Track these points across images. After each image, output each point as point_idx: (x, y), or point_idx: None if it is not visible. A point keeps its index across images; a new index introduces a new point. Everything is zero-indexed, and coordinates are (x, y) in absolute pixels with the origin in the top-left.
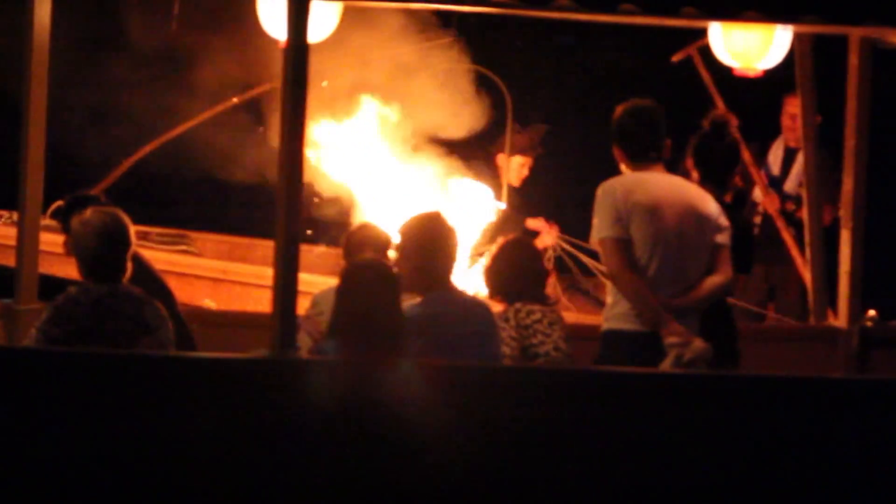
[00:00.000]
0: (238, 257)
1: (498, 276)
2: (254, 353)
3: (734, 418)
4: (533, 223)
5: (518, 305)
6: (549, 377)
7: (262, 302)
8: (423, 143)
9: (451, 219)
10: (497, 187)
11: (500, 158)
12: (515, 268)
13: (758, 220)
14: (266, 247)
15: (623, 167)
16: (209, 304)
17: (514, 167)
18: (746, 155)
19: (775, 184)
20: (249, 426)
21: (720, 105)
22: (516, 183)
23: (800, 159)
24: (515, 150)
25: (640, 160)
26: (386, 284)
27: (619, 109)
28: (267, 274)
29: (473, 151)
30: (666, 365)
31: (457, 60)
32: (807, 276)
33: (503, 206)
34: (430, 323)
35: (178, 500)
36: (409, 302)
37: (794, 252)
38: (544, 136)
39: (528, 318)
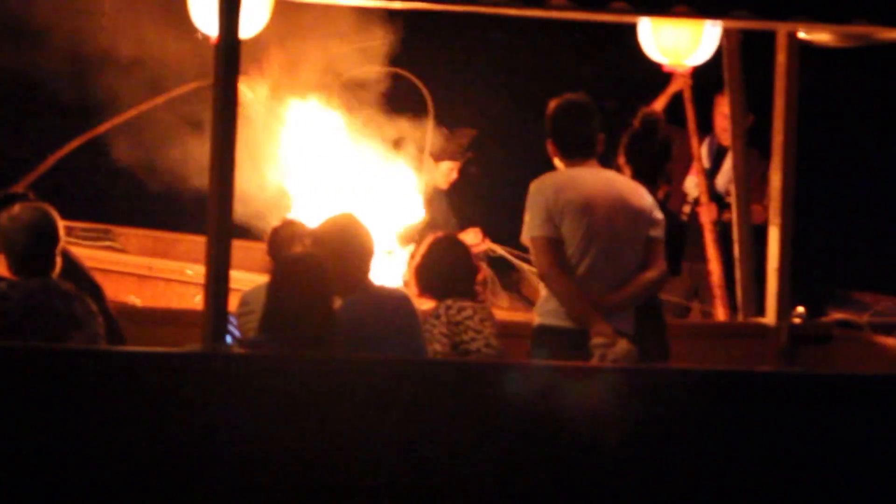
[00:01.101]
0: (162, 252)
1: (428, 274)
2: (186, 348)
3: (662, 412)
4: (467, 237)
5: (449, 302)
6: (481, 371)
7: (186, 298)
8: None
9: (364, 219)
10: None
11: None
12: (445, 265)
13: (686, 209)
14: (190, 241)
15: (557, 162)
16: (134, 300)
17: (444, 171)
18: (694, 142)
19: (707, 176)
20: (180, 421)
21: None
22: (445, 186)
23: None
24: (445, 156)
25: (574, 155)
26: (318, 279)
27: (552, 105)
28: (191, 270)
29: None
30: None
31: (382, 62)
32: (716, 275)
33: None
34: (352, 327)
35: (108, 495)
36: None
37: (711, 251)
38: (472, 142)
39: (459, 314)
